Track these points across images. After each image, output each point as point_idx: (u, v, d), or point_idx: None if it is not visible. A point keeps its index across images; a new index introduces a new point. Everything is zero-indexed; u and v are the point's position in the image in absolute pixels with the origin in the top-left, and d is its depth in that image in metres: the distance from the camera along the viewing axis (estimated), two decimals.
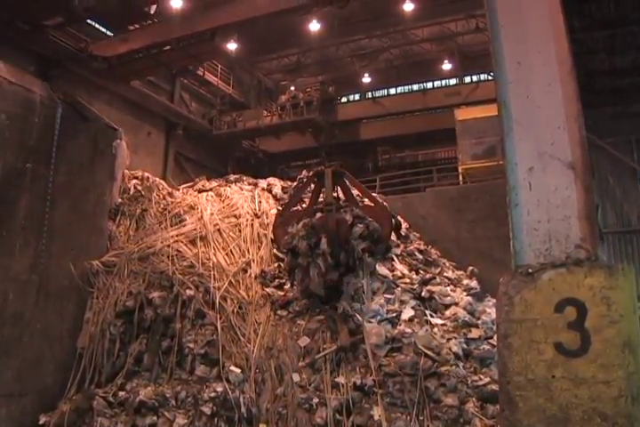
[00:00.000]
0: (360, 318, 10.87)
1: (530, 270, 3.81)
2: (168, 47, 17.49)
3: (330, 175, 12.34)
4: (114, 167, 13.34)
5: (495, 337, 8.78)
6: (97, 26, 19.04)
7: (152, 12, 18.20)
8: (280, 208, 14.24)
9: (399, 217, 14.11)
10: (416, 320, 10.92)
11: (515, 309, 3.77)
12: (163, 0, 17.69)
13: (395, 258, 13.02)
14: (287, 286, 12.26)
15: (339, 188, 12.63)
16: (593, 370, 3.50)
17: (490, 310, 11.23)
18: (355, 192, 13.18)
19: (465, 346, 10.33)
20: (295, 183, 16.22)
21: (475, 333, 10.72)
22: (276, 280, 12.61)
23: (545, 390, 3.58)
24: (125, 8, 15.89)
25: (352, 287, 11.59)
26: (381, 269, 12.27)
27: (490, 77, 25.18)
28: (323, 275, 11.13)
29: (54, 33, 15.90)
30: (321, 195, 12.73)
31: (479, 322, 11.13)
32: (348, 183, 12.84)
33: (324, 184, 12.45)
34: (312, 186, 13.31)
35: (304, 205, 13.55)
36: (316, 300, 11.64)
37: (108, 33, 19.34)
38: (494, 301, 9.32)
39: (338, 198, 12.41)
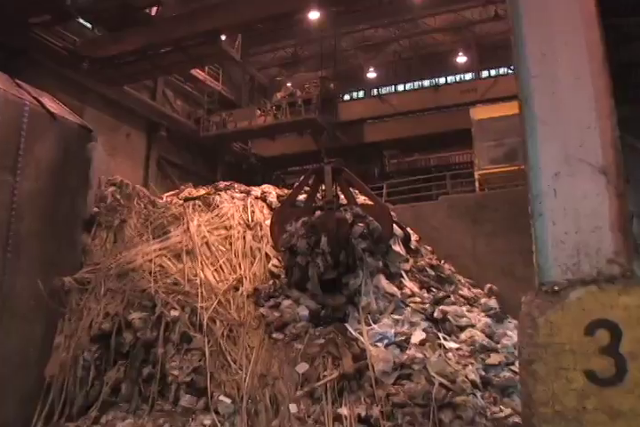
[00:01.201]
0: (365, 340, 10.85)
1: (556, 288, 3.78)
2: (166, 49, 17.55)
3: (330, 172, 13.14)
4: (88, 173, 13.30)
5: (517, 363, 8.75)
6: (86, 23, 19.07)
7: (153, 13, 18.25)
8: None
9: (408, 229, 14.13)
10: (428, 344, 10.87)
11: (539, 331, 3.73)
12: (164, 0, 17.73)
13: (404, 274, 13.00)
14: (283, 306, 12.24)
15: (337, 185, 13.39)
16: (631, 401, 3.45)
17: (511, 332, 11.20)
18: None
19: (483, 373, 10.29)
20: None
21: (494, 358, 10.68)
22: (271, 299, 12.56)
23: (575, 424, 3.54)
24: (124, 10, 15.96)
25: (352, 287, 12.00)
26: (389, 287, 12.27)
27: (510, 71, 25.30)
28: (322, 274, 11.81)
29: (37, 30, 15.96)
30: (318, 193, 13.63)
31: (499, 346, 11.10)
32: (347, 181, 13.63)
33: (322, 181, 13.31)
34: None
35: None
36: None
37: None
38: (516, 322, 9.29)
39: (337, 196, 13.17)
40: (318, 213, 12.78)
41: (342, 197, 13.49)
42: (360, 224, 12.34)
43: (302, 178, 14.88)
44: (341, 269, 12.06)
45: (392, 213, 13.79)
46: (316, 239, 12.03)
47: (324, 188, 13.46)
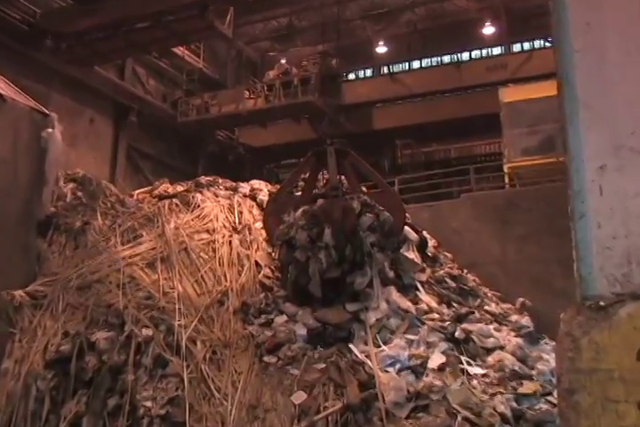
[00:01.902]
0: (373, 364, 10.83)
1: (602, 303, 3.77)
2: (144, 24, 17.56)
3: (333, 154, 13.37)
4: (44, 166, 13.28)
5: (556, 393, 8.73)
6: None
7: None
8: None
9: (425, 232, 14.13)
10: (448, 369, 10.86)
11: (582, 355, 3.72)
12: None
13: (419, 286, 13.01)
14: (276, 324, 12.23)
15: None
16: None
17: (547, 356, 11.19)
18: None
19: (515, 405, 10.26)
20: None
21: (528, 387, 10.66)
22: (263, 316, 12.56)
23: None
24: None
25: (358, 287, 12.08)
26: (402, 302, 12.27)
27: (547, 44, 25.29)
28: (323, 272, 11.86)
29: None
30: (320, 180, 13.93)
31: (533, 372, 11.08)
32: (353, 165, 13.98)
33: (324, 165, 13.55)
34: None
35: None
36: (309, 300, 12.27)
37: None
38: (553, 344, 9.27)
39: (341, 182, 13.43)
40: (320, 201, 12.81)
41: (347, 184, 13.71)
42: (369, 214, 12.44)
43: (302, 162, 15.05)
44: (346, 266, 12.06)
45: (405, 209, 13.90)
46: (319, 231, 12.07)
47: (326, 174, 13.60)
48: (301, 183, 15.14)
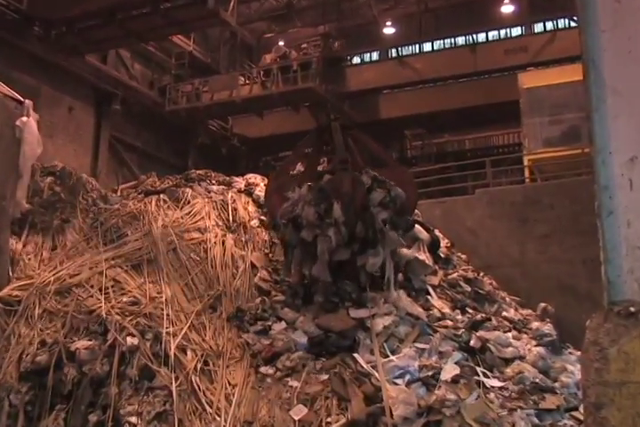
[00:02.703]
0: (380, 376, 10.82)
1: (632, 309, 3.77)
2: (141, 11, 17.62)
3: (338, 129, 13.60)
4: (18, 158, 13.27)
5: (581, 408, 8.71)
6: None
7: None
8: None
9: (436, 231, 14.12)
10: (463, 382, 10.83)
11: (610, 366, 3.71)
12: None
13: (430, 291, 13.01)
14: (274, 331, 12.23)
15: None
16: None
17: (572, 367, 11.19)
18: None
19: (536, 421, 10.23)
20: None
21: (550, 401, 10.64)
22: (259, 322, 12.56)
23: None
24: None
25: (371, 269, 12.15)
26: (411, 307, 12.26)
27: (572, 24, 25.23)
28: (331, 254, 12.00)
29: None
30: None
31: (556, 385, 11.07)
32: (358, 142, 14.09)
33: (327, 143, 13.89)
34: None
35: None
36: (320, 287, 12.37)
37: None
38: (579, 354, 9.26)
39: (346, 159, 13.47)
40: (327, 176, 13.02)
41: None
42: (379, 190, 12.53)
43: (304, 139, 15.11)
44: (356, 246, 12.17)
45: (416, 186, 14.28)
46: (327, 207, 12.18)
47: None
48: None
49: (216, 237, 14.13)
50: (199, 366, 11.35)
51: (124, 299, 12.16)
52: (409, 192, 12.97)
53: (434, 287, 13.14)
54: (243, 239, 14.24)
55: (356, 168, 13.30)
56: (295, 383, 11.16)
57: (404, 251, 13.05)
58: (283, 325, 12.23)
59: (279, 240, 13.50)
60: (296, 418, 10.51)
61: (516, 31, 28.72)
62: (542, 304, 13.20)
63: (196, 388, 10.99)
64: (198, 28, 23.67)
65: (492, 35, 29.26)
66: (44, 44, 17.88)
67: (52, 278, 12.44)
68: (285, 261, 13.03)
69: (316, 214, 12.16)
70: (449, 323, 12.22)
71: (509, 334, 12.18)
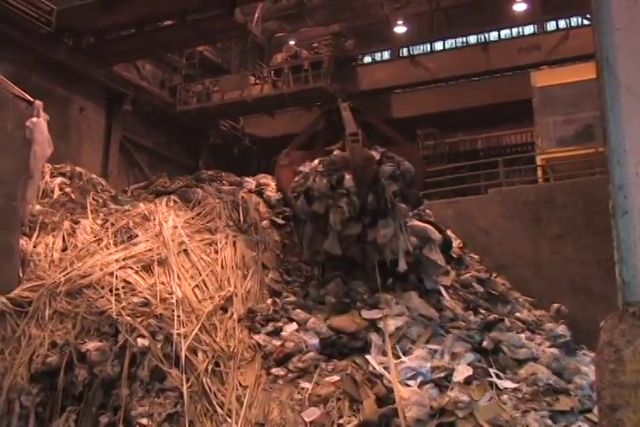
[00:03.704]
0: (392, 377, 10.80)
1: None
2: (168, 22, 17.73)
3: (347, 108, 14.15)
4: (29, 158, 13.29)
5: (596, 410, 8.68)
6: None
7: None
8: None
9: (449, 231, 14.10)
10: (475, 383, 10.84)
11: (626, 367, 3.69)
12: None
13: (443, 291, 13.01)
14: (285, 332, 12.22)
15: None
16: None
17: (586, 368, 11.16)
18: None
19: (550, 422, 10.23)
20: None
21: (564, 403, 10.62)
22: (270, 324, 12.57)
23: None
24: None
25: (382, 240, 12.31)
26: (424, 308, 12.25)
27: (586, 22, 25.17)
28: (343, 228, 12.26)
29: None
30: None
31: (570, 387, 11.05)
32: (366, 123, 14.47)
33: (334, 127, 14.22)
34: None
35: None
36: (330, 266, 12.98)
37: None
38: (593, 355, 9.24)
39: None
40: (337, 152, 13.22)
41: None
42: (389, 164, 12.80)
43: (312, 120, 15.79)
44: (367, 219, 12.38)
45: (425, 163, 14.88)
46: (339, 178, 12.45)
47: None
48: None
49: (227, 237, 14.12)
50: (210, 367, 11.35)
51: (135, 300, 12.15)
52: (417, 168, 13.31)
53: (446, 288, 13.14)
54: (254, 240, 14.23)
55: (365, 146, 13.56)
56: (307, 385, 11.17)
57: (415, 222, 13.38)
58: (294, 326, 12.23)
59: (291, 214, 14.08)
60: (308, 420, 10.52)
61: (529, 29, 28.66)
62: (556, 305, 13.18)
63: (207, 389, 11.00)
64: (224, 39, 23.84)
65: (505, 33, 29.19)
66: (73, 55, 17.99)
67: (63, 279, 12.44)
68: (297, 237, 13.62)
69: (328, 184, 12.43)
70: (461, 324, 12.22)
71: (523, 335, 12.17)
